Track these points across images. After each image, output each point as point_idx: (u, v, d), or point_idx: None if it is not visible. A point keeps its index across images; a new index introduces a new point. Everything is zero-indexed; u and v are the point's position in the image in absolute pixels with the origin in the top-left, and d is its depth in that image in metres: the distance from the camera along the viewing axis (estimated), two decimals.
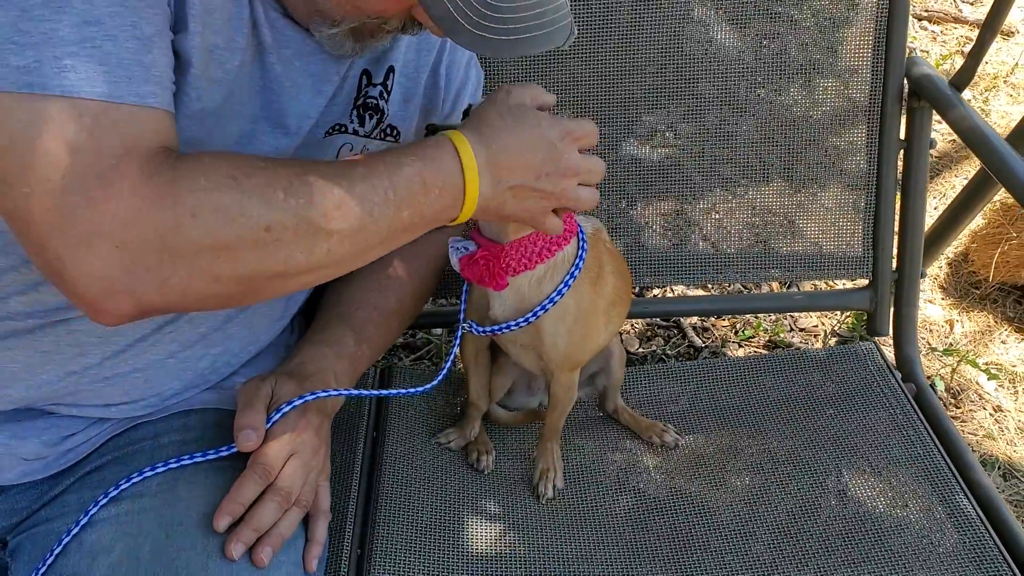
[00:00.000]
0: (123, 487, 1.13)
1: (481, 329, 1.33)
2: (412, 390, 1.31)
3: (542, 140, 1.09)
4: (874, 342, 1.76)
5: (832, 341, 2.43)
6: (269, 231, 0.95)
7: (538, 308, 1.28)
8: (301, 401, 1.17)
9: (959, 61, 3.36)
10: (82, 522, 1.11)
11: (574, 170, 1.12)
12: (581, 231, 1.32)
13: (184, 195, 0.91)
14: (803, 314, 2.50)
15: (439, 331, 2.39)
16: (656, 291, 2.48)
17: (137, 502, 1.12)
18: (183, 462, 1.16)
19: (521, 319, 1.29)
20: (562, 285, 1.28)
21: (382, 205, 1.01)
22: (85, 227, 0.89)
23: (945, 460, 1.48)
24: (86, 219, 0.89)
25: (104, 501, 1.12)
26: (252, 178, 0.95)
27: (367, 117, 1.25)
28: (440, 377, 1.30)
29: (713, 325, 2.47)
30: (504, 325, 1.30)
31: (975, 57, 1.63)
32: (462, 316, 1.34)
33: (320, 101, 1.18)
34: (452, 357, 1.31)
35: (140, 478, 1.14)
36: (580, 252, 1.30)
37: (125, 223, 0.89)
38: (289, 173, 0.97)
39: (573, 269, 1.29)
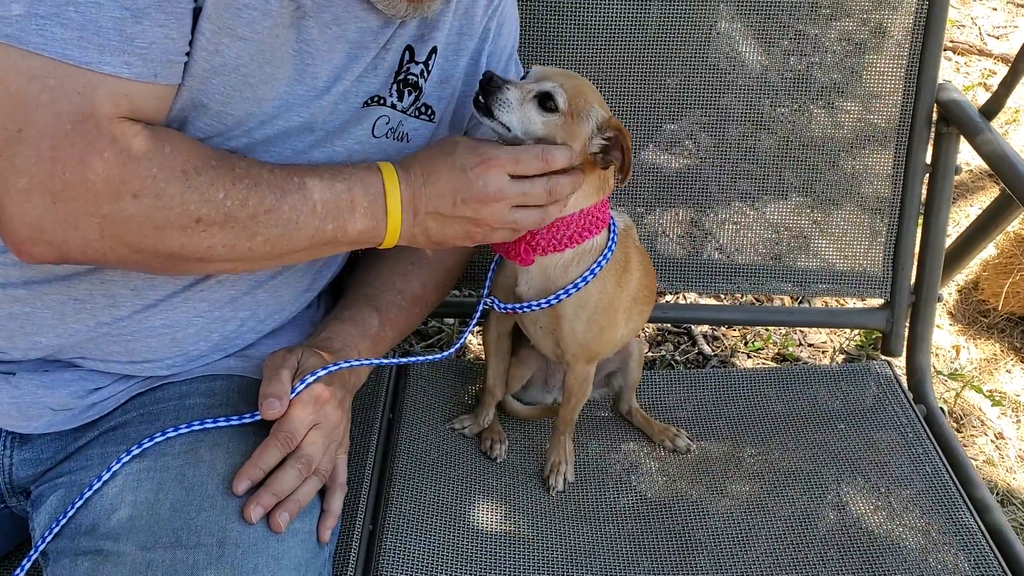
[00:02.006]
0: (146, 445, 1.15)
1: (502, 306, 1.36)
2: (432, 357, 1.38)
3: (453, 167, 1.16)
4: (887, 362, 1.78)
5: (840, 358, 2.45)
6: (199, 223, 1.03)
7: (560, 292, 1.31)
8: (326, 372, 1.19)
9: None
10: (104, 477, 1.13)
11: (492, 196, 1.16)
12: (613, 224, 1.34)
13: (132, 177, 0.99)
14: (813, 329, 2.52)
15: (451, 320, 2.41)
16: (669, 297, 2.49)
17: (160, 460, 1.14)
18: (207, 425, 1.17)
19: (543, 300, 1.31)
20: (587, 273, 1.31)
21: (309, 215, 1.10)
22: (29, 179, 0.96)
23: (954, 481, 1.50)
24: (32, 172, 0.96)
25: (127, 459, 1.14)
26: (201, 175, 1.03)
27: (406, 93, 1.28)
28: (458, 344, 1.35)
29: (723, 334, 2.49)
30: (526, 304, 1.33)
31: (1007, 87, 1.65)
32: (486, 291, 1.38)
33: (355, 67, 1.20)
34: (471, 327, 1.35)
35: (163, 437, 1.16)
36: (609, 244, 1.32)
37: (67, 185, 0.97)
38: (234, 175, 1.05)
39: (600, 259, 1.31)
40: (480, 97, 1.19)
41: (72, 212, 0.98)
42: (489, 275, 1.40)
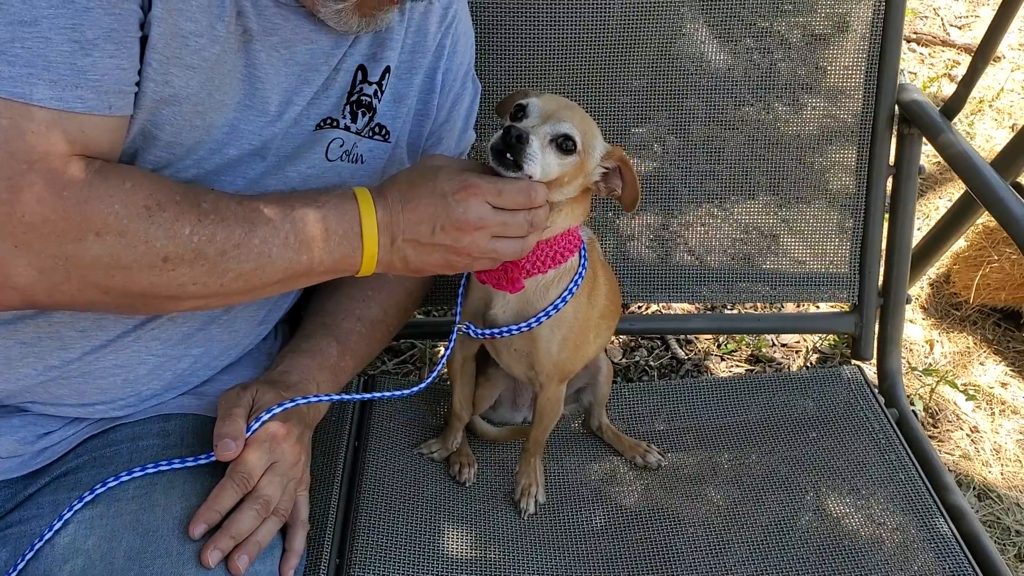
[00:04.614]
0: (98, 491, 1.11)
1: (479, 331, 1.32)
2: (397, 393, 1.31)
3: (433, 193, 1.12)
4: (858, 366, 1.77)
5: (814, 358, 2.44)
6: (167, 261, 1.00)
7: (541, 314, 1.28)
8: (281, 409, 1.16)
9: (947, 84, 3.40)
10: (55, 527, 1.09)
11: (472, 223, 1.12)
12: (583, 240, 1.32)
13: (94, 215, 0.96)
14: None
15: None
16: (640, 305, 2.48)
17: (113, 506, 1.10)
18: (161, 467, 1.14)
19: (523, 324, 1.28)
20: (566, 292, 1.28)
21: (282, 247, 1.06)
22: None
23: (927, 486, 1.49)
24: None
25: (79, 506, 1.10)
26: (165, 211, 1.00)
27: (360, 114, 1.25)
28: (428, 380, 1.30)
29: (696, 338, 2.47)
30: (505, 329, 1.29)
31: (967, 85, 1.64)
32: (458, 318, 1.34)
33: (307, 90, 1.17)
34: (444, 360, 1.31)
35: (116, 482, 1.12)
36: (582, 261, 1.30)
37: (28, 228, 0.94)
38: (200, 211, 1.02)
39: (577, 277, 1.29)
40: (509, 155, 1.12)
41: (36, 255, 0.95)
42: (459, 300, 1.35)
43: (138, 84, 1.01)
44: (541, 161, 1.13)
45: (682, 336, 2.46)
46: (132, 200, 0.98)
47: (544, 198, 1.17)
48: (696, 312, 2.39)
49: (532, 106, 1.18)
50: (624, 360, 2.39)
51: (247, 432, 1.12)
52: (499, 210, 1.13)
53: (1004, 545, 2.06)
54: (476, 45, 1.47)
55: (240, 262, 1.04)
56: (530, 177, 1.14)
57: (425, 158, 1.20)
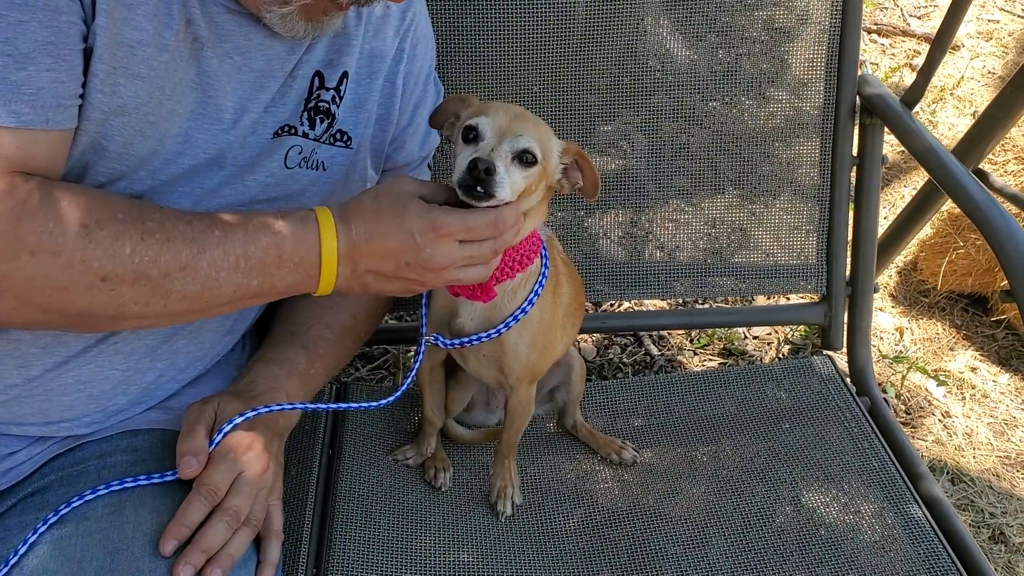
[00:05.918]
0: (63, 512, 1.09)
1: (447, 342, 1.30)
2: (366, 404, 1.29)
3: (402, 230, 1.09)
4: (828, 356, 1.78)
5: (785, 349, 2.46)
6: (105, 281, 0.98)
7: (509, 319, 1.27)
8: (243, 419, 1.14)
9: (907, 73, 3.43)
10: (20, 551, 1.07)
11: (439, 264, 1.11)
12: (542, 241, 1.32)
13: (27, 233, 0.94)
14: None
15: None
16: (613, 302, 2.49)
17: (81, 525, 1.08)
18: (126, 484, 1.12)
19: (492, 331, 1.27)
20: (532, 294, 1.27)
21: (231, 271, 1.04)
22: None
23: (900, 473, 1.50)
24: None
25: (43, 528, 1.08)
26: (104, 229, 0.97)
27: (318, 120, 1.23)
28: (399, 393, 1.28)
29: (669, 334, 2.48)
30: (474, 337, 1.28)
31: (925, 75, 1.66)
32: (424, 329, 1.32)
33: (262, 97, 1.16)
34: (415, 371, 1.30)
35: (80, 501, 1.10)
36: (544, 261, 1.30)
37: None
38: (144, 229, 0.99)
39: (540, 278, 1.28)
40: (479, 187, 1.09)
41: None
42: (423, 312, 1.32)
43: (83, 96, 0.99)
44: (509, 183, 1.11)
45: (655, 332, 2.47)
46: (68, 218, 0.96)
47: (513, 220, 1.14)
48: (668, 308, 2.40)
49: (483, 126, 1.14)
50: (598, 358, 2.39)
51: (211, 445, 1.11)
52: (466, 243, 1.12)
53: (979, 527, 2.09)
54: (438, 47, 1.46)
55: (186, 284, 1.02)
56: (501, 200, 1.11)
57: (393, 180, 1.16)
